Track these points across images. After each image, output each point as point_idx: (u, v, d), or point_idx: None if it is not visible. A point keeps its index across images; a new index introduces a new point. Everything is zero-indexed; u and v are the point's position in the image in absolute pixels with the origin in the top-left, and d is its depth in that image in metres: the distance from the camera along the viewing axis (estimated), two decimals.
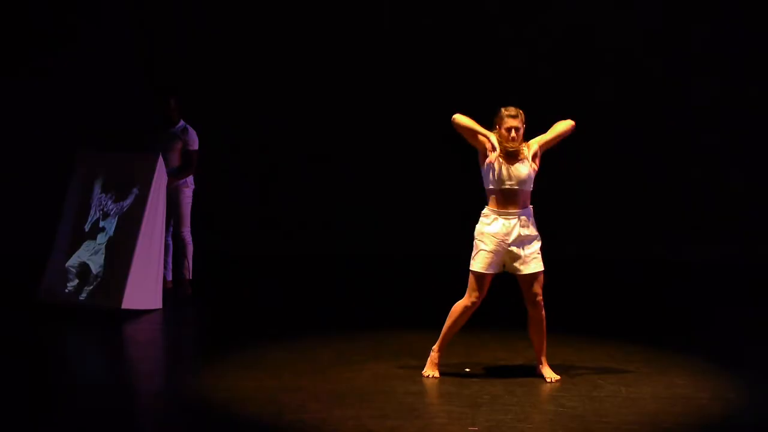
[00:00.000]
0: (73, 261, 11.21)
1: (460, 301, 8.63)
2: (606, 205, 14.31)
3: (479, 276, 8.50)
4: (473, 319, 10.89)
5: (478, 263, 8.49)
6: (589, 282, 13.11)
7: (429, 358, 8.70)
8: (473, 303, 8.56)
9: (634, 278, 13.43)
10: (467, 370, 8.88)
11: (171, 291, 11.72)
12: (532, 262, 8.47)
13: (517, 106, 8.48)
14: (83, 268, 11.14)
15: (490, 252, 8.44)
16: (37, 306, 11.12)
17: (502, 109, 8.43)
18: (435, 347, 8.69)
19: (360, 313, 11.31)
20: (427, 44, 14.59)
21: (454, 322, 8.64)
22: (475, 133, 8.39)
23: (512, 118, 8.36)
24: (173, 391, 8.62)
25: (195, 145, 11.74)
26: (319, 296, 12.24)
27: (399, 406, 7.87)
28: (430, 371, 8.64)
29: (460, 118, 8.42)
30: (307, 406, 7.84)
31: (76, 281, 11.14)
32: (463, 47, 14.56)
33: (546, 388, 8.41)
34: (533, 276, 8.49)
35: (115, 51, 14.63)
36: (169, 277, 11.84)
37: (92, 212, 11.35)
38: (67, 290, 11.13)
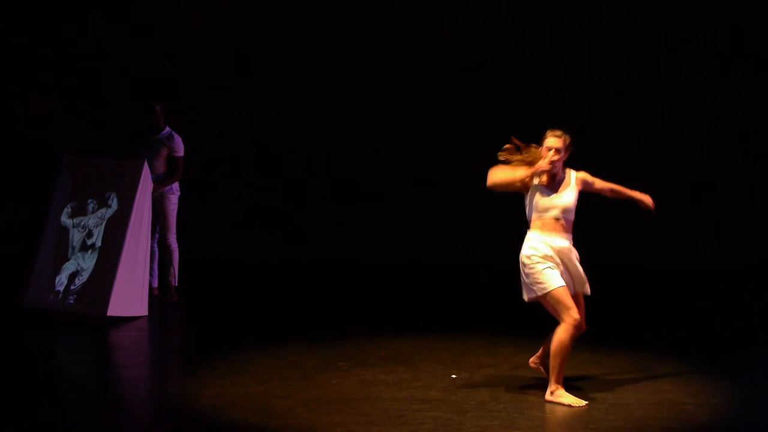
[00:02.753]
0: (65, 270, 11.21)
1: (561, 330, 8.08)
2: (605, 211, 14.30)
3: (561, 291, 8.08)
4: (459, 326, 10.95)
5: (550, 279, 8.07)
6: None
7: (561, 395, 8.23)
8: (576, 320, 8.07)
9: (625, 284, 13.46)
10: (453, 376, 8.89)
11: (157, 298, 11.70)
12: (585, 282, 8.32)
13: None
14: (72, 276, 11.14)
15: (553, 266, 8.12)
16: (22, 312, 11.09)
17: (549, 131, 8.20)
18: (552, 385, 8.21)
19: (347, 320, 11.31)
20: (424, 45, 14.61)
21: (567, 353, 8.15)
22: (514, 181, 8.12)
23: (555, 138, 8.13)
24: (160, 397, 8.62)
25: (180, 151, 11.73)
26: (306, 302, 12.23)
27: (386, 413, 7.88)
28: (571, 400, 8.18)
29: (495, 177, 8.12)
30: (294, 412, 7.85)
31: (64, 287, 11.12)
32: (468, 48, 14.58)
33: (532, 394, 8.41)
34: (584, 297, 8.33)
35: (104, 55, 14.62)
36: (155, 284, 11.83)
37: (78, 230, 11.33)
38: (52, 297, 11.11)
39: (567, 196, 8.19)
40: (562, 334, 8.05)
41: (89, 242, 11.20)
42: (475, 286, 13.18)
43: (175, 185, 11.77)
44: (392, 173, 14.51)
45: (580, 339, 9.75)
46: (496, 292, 12.49)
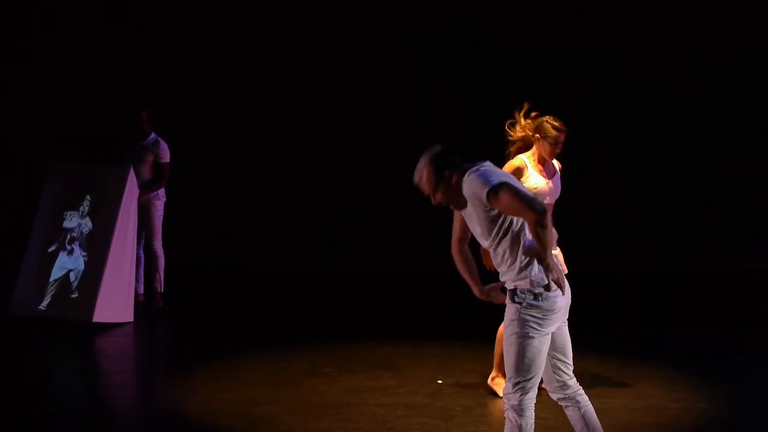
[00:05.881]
0: (55, 274, 11.20)
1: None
2: (596, 214, 14.32)
3: None
4: (445, 331, 10.96)
5: None
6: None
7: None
8: None
9: (614, 288, 13.48)
10: (439, 381, 8.91)
11: (143, 304, 11.68)
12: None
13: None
14: (63, 281, 11.13)
15: None
16: (7, 319, 11.06)
17: (551, 120, 8.34)
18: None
19: (333, 326, 11.31)
20: (411, 50, 14.64)
21: None
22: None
23: (563, 132, 8.33)
24: (146, 404, 8.61)
25: (166, 157, 11.72)
26: (292, 309, 12.23)
27: (372, 419, 7.89)
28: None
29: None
30: (280, 419, 7.86)
31: (53, 294, 11.11)
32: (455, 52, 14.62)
33: None
34: None
35: (90, 61, 14.61)
36: (141, 290, 11.81)
37: (66, 227, 11.33)
38: (41, 305, 11.09)
39: (557, 182, 8.42)
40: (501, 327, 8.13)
41: (74, 241, 11.22)
42: (461, 292, 13.17)
43: (161, 191, 11.76)
44: (381, 180, 14.51)
45: None
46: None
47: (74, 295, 11.04)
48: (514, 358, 6.18)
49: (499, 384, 8.32)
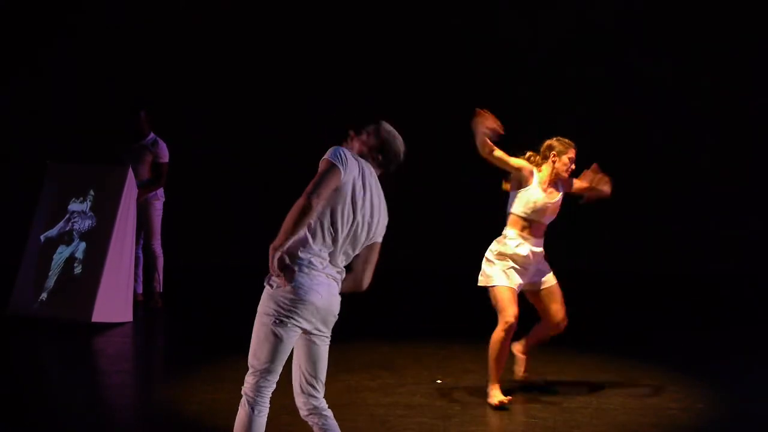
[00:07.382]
0: (54, 264, 11.22)
1: (495, 331, 8.12)
2: (600, 217, 14.31)
3: (503, 290, 8.13)
4: (444, 331, 10.95)
5: (499, 276, 8.14)
6: (566, 293, 13.10)
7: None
8: (510, 324, 8.11)
9: (610, 290, 13.47)
10: (438, 381, 8.90)
11: (142, 303, 11.69)
12: (550, 273, 8.39)
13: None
14: (66, 263, 11.15)
15: (513, 268, 8.17)
16: (7, 319, 11.07)
17: (559, 140, 8.24)
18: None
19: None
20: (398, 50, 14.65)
21: (498, 353, 8.17)
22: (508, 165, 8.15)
23: (573, 149, 8.23)
24: (145, 404, 8.60)
25: (165, 157, 11.73)
26: None
27: (371, 418, 7.88)
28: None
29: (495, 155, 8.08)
30: (279, 419, 7.83)
31: (53, 284, 11.12)
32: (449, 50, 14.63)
33: (516, 399, 8.42)
34: (557, 287, 8.40)
35: (87, 62, 14.61)
36: (140, 290, 11.82)
37: (62, 226, 11.34)
38: (41, 296, 11.10)
39: (557, 205, 8.29)
40: (493, 335, 8.14)
41: (72, 239, 11.24)
42: (460, 291, 13.17)
43: (160, 191, 11.77)
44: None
45: (567, 342, 9.77)
46: (481, 297, 12.49)
47: (77, 270, 11.04)
48: (255, 339, 6.16)
49: (492, 395, 8.23)
